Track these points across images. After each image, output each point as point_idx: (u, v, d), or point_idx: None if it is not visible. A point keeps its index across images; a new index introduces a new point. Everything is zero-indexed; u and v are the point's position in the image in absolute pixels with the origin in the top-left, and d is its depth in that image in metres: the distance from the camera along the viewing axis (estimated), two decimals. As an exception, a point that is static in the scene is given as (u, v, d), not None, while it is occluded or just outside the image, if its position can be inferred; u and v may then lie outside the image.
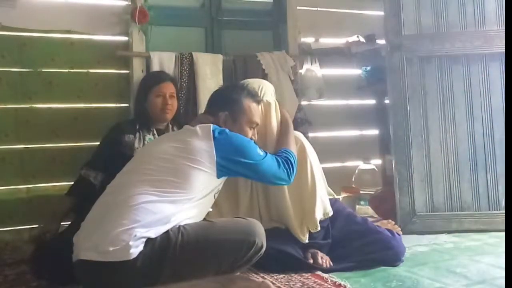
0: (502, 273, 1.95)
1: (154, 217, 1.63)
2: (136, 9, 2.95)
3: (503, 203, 2.75)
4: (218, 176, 1.82)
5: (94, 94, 3.01)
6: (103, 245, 1.56)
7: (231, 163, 1.83)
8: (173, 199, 1.70)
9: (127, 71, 3.06)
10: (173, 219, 1.68)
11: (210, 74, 3.05)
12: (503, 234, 2.22)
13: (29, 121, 2.86)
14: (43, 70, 2.89)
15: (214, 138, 1.81)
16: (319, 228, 2.20)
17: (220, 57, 3.16)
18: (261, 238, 1.80)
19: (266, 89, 2.29)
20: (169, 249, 1.64)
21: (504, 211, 2.33)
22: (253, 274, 2.03)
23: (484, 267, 2.12)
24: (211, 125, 1.87)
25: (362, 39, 3.67)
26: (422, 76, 2.90)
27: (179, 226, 1.70)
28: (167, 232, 1.66)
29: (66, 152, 2.92)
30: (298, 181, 2.19)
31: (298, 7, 3.58)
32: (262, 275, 2.03)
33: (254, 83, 2.30)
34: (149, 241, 1.61)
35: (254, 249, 1.76)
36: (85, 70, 2.99)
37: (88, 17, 3.02)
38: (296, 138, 2.26)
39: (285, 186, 2.19)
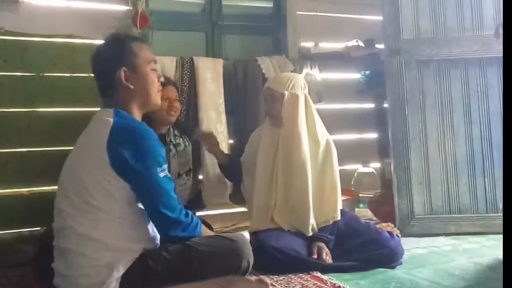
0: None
1: (96, 262, 1.57)
2: (138, 14, 2.97)
3: (500, 206, 2.77)
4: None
5: (95, 98, 3.02)
6: None
7: (125, 168, 1.59)
8: (96, 223, 1.58)
9: (128, 75, 3.08)
10: (115, 246, 1.59)
11: (210, 78, 3.07)
12: (500, 236, 2.24)
13: (31, 125, 2.87)
14: (45, 74, 2.91)
15: (109, 146, 1.58)
16: (339, 217, 2.31)
17: (220, 62, 3.18)
18: (248, 258, 1.76)
19: (296, 82, 2.42)
20: (150, 280, 1.61)
21: (502, 214, 2.34)
22: (253, 276, 2.05)
23: (482, 269, 2.14)
24: (110, 127, 1.62)
25: (361, 44, 3.70)
26: (420, 80, 2.92)
27: (161, 253, 1.66)
28: (144, 260, 1.62)
29: (67, 156, 2.93)
30: (322, 174, 2.37)
31: (298, 12, 3.61)
32: (261, 277, 2.05)
33: (285, 76, 2.52)
34: (125, 276, 1.58)
35: (240, 272, 1.74)
36: (87, 75, 3.00)
37: (89, 22, 3.04)
38: (324, 134, 2.44)
39: (309, 175, 2.32)
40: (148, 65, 1.74)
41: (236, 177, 2.70)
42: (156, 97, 1.77)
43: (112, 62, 1.71)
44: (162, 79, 1.80)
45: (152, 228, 1.72)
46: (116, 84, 1.70)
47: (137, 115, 1.74)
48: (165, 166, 1.66)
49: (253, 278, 1.77)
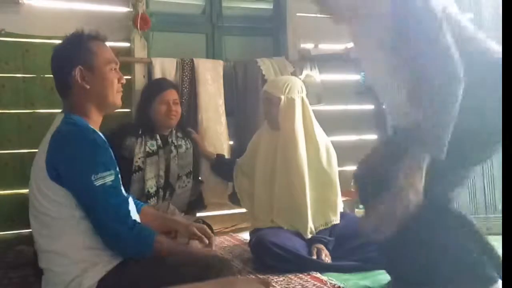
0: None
1: (64, 278, 1.52)
2: (138, 16, 2.98)
3: (499, 207, 2.78)
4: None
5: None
6: None
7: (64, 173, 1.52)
8: (57, 235, 1.53)
9: (129, 77, 3.08)
10: (80, 257, 1.52)
11: (210, 80, 3.08)
12: (500, 237, 2.24)
13: (31, 127, 2.88)
14: (46, 76, 2.92)
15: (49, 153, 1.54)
16: (338, 221, 2.32)
17: (220, 63, 3.19)
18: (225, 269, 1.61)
19: (292, 85, 2.44)
20: None
21: (501, 215, 2.35)
22: (252, 276, 2.05)
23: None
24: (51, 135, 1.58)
25: (361, 45, 3.70)
26: (420, 81, 2.92)
27: (137, 263, 1.55)
28: (120, 271, 1.53)
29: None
30: (321, 176, 2.41)
31: (297, 14, 3.61)
32: (261, 277, 2.06)
33: (282, 80, 2.52)
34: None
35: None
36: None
37: (90, 23, 3.00)
38: (322, 137, 2.48)
39: (306, 178, 2.33)
40: (107, 65, 1.65)
41: (224, 177, 2.79)
42: (114, 98, 1.68)
43: (68, 61, 1.62)
44: (123, 81, 1.72)
45: None
46: (72, 83, 1.61)
47: (95, 116, 1.65)
48: (105, 173, 1.52)
49: (254, 278, 1.78)
